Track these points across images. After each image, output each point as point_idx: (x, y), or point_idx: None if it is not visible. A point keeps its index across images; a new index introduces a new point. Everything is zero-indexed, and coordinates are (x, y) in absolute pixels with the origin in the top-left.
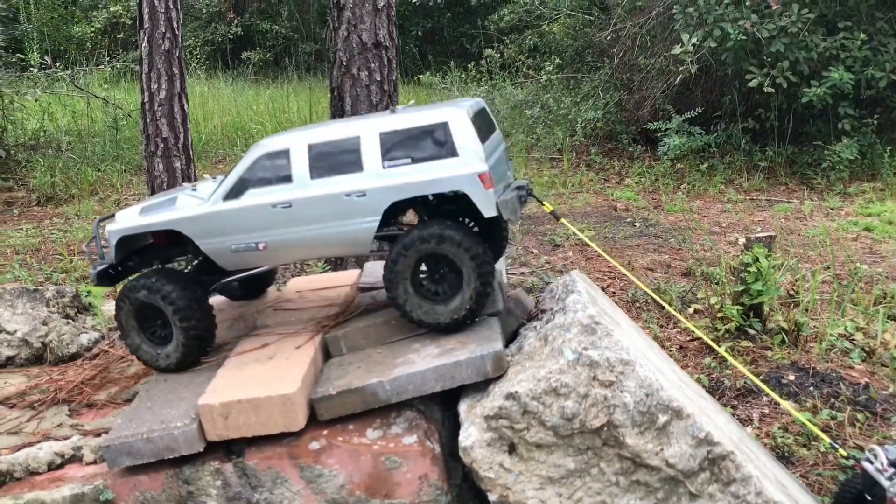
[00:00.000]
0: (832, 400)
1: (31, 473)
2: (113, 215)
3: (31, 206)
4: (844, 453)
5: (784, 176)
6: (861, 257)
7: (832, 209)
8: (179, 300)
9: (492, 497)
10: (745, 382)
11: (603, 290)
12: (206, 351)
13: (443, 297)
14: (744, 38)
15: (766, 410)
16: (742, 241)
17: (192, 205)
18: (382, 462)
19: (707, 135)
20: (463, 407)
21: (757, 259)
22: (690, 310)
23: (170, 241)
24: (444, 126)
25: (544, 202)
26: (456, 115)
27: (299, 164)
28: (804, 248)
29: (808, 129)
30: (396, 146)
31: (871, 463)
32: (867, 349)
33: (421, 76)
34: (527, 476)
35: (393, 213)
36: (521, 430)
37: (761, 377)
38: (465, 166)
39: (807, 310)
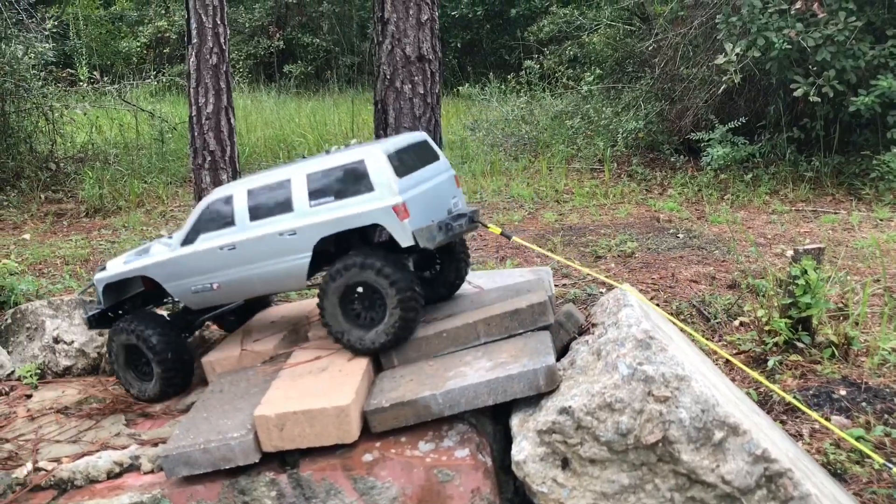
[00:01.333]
0: (886, 416)
1: (90, 481)
2: (104, 266)
3: (80, 217)
4: (844, 434)
5: (831, 186)
6: None
7: (881, 220)
8: (155, 341)
9: None
10: (796, 397)
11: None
12: (186, 384)
13: (370, 323)
14: (788, 47)
15: (817, 426)
16: (790, 253)
17: (160, 252)
18: (435, 475)
19: (751, 145)
20: (515, 421)
21: (805, 272)
22: (736, 322)
23: (155, 286)
24: (361, 164)
25: (490, 225)
26: (371, 153)
27: (240, 208)
28: (853, 260)
29: (856, 138)
30: (321, 186)
31: None
32: None
33: (460, 88)
34: (580, 491)
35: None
36: (575, 444)
37: (811, 392)
38: (380, 200)
39: (857, 323)
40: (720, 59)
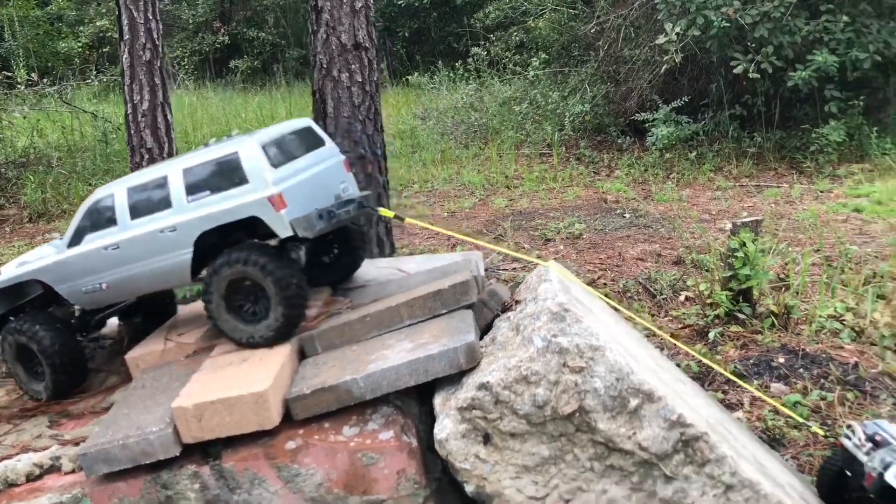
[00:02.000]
0: (822, 381)
1: (9, 485)
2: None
3: (23, 223)
4: (821, 431)
5: (773, 161)
6: (851, 238)
7: (821, 192)
8: (45, 340)
9: (468, 488)
10: (736, 367)
11: (593, 281)
12: (78, 384)
13: (254, 318)
14: (727, 24)
15: (757, 394)
16: (729, 226)
17: (48, 254)
18: (359, 458)
19: (695, 123)
20: (438, 400)
21: (744, 244)
22: (682, 297)
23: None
24: (234, 156)
25: (383, 210)
26: (245, 145)
27: (121, 207)
28: (794, 232)
29: (796, 113)
30: (198, 180)
31: (850, 439)
32: (857, 329)
33: (409, 77)
34: (502, 466)
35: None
36: (495, 419)
37: (751, 361)
38: (255, 192)
39: (798, 293)
40: (661, 39)
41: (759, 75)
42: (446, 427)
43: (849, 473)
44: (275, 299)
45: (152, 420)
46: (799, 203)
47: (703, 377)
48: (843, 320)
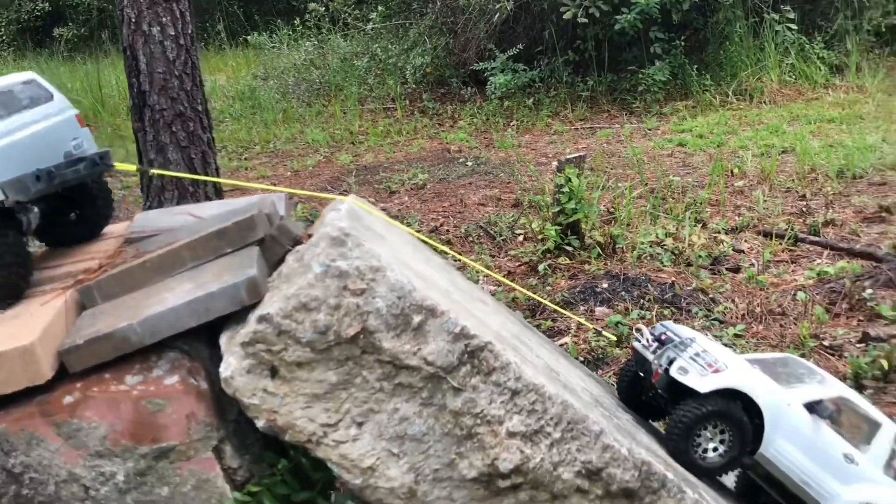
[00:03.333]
0: (641, 301)
1: None
2: None
3: None
4: (613, 337)
5: (606, 103)
6: (675, 171)
7: (650, 129)
8: None
9: (259, 423)
10: (563, 296)
11: (436, 228)
12: None
13: None
14: None
15: (577, 319)
16: (555, 164)
17: None
18: (144, 406)
19: (531, 71)
20: (224, 339)
21: (569, 179)
22: (520, 238)
23: None
24: None
25: (119, 165)
26: None
27: None
28: (624, 169)
29: (625, 56)
30: None
31: (639, 342)
32: (676, 252)
33: (249, 38)
34: (292, 397)
35: None
36: (280, 351)
37: (578, 289)
38: None
39: (628, 224)
40: None
41: (587, 20)
42: (231, 364)
43: (641, 375)
44: None
45: None
46: (629, 141)
47: (535, 308)
48: (664, 245)
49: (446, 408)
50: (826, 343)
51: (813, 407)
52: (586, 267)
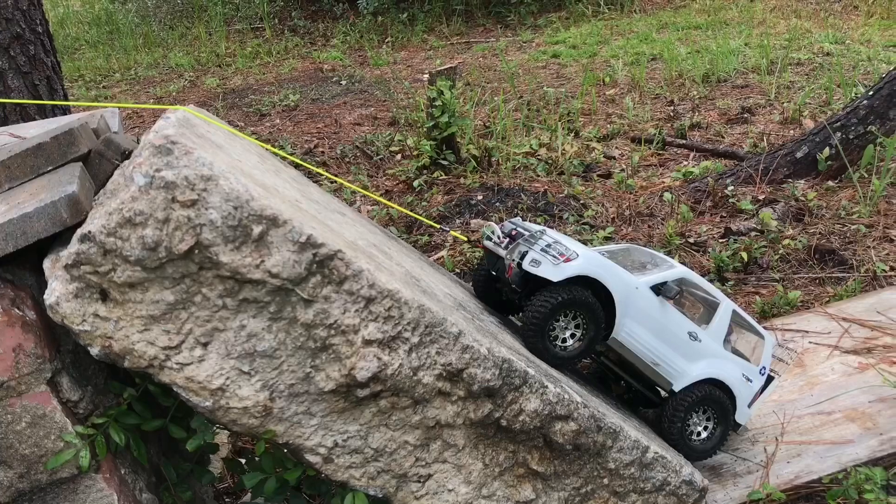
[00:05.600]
0: (515, 210)
1: None
2: None
3: None
4: (463, 237)
5: (481, 17)
6: (549, 82)
7: (525, 42)
8: None
9: (93, 351)
10: (439, 210)
11: (310, 150)
12: None
13: None
14: None
15: (453, 233)
16: (426, 77)
17: None
18: None
19: None
20: (47, 264)
21: (441, 92)
22: (398, 156)
23: None
24: None
25: None
26: None
27: None
28: (499, 82)
29: None
30: None
31: (490, 240)
32: (549, 162)
33: None
34: (127, 320)
35: None
36: (108, 272)
37: (454, 203)
38: None
39: (503, 137)
40: None
41: None
42: (56, 290)
43: (494, 273)
44: None
45: None
46: (504, 55)
47: (411, 225)
48: (538, 155)
49: (297, 321)
50: (692, 240)
51: (659, 289)
52: (462, 181)
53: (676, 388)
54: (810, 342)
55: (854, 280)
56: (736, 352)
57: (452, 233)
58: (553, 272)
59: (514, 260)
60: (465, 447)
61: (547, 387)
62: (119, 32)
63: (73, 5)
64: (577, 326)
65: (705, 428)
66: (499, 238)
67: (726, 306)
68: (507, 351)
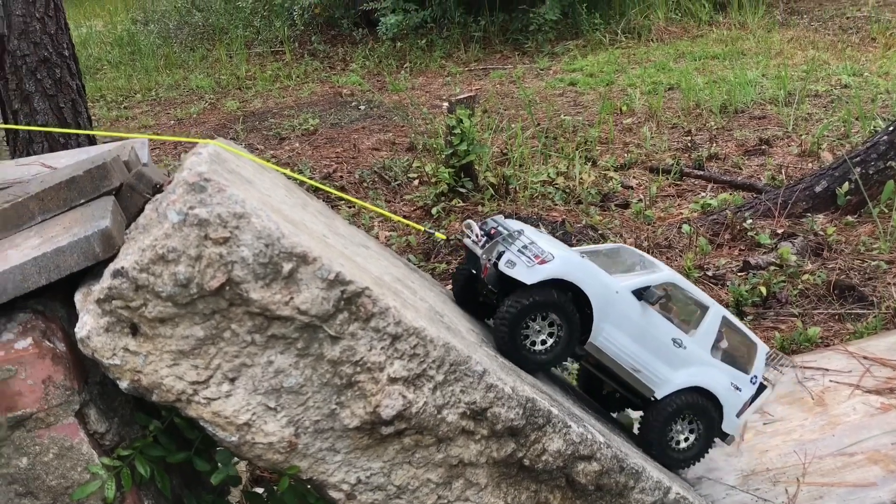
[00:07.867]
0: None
1: None
2: None
3: None
4: (442, 236)
5: (498, 44)
6: (566, 110)
7: (542, 70)
8: None
9: (123, 385)
10: (457, 238)
11: (329, 175)
12: None
13: None
14: None
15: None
16: (445, 104)
17: None
18: None
19: (422, 10)
20: (79, 297)
21: (461, 121)
22: (416, 182)
23: None
24: None
25: None
26: None
27: None
28: (517, 109)
29: None
30: None
31: (469, 238)
32: (567, 190)
33: None
34: (157, 355)
35: None
36: (139, 307)
37: None
38: None
39: (520, 164)
40: None
41: None
42: (87, 324)
43: (473, 272)
44: None
45: None
46: (522, 82)
47: (429, 252)
48: (556, 184)
49: (324, 357)
50: (710, 273)
51: (641, 294)
52: (480, 208)
53: (658, 395)
54: (831, 380)
55: (874, 317)
56: (726, 359)
57: (437, 235)
58: (527, 274)
59: (490, 260)
60: (487, 486)
61: (570, 426)
62: (140, 53)
63: (95, 25)
64: (551, 333)
65: (686, 439)
66: (477, 236)
67: (715, 312)
68: (531, 389)
